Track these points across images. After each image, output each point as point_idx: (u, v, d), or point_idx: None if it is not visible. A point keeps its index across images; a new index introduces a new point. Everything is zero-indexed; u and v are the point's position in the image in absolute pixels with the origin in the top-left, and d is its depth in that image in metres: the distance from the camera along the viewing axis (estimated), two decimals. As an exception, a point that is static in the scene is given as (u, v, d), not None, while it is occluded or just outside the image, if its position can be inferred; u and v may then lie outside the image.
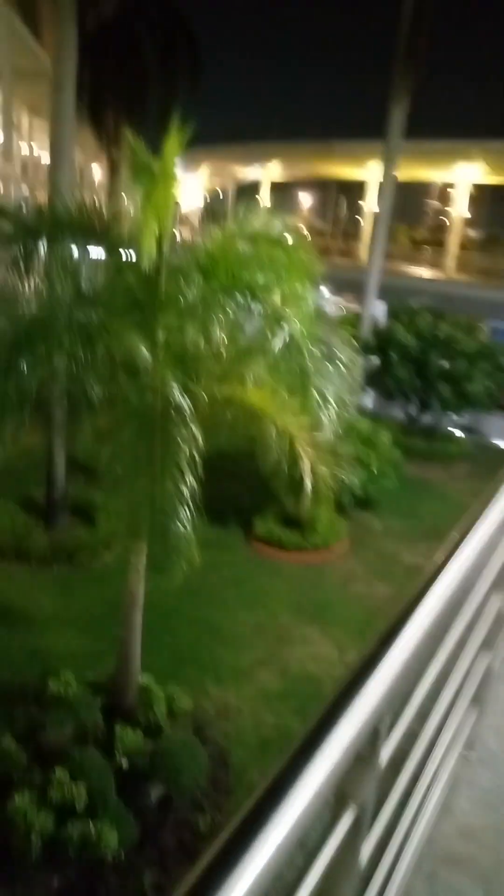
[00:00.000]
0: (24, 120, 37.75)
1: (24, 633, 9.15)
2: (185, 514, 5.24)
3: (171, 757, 6.56)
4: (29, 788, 6.16)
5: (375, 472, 12.68)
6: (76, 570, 10.83)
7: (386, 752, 1.46)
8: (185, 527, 5.23)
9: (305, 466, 6.07)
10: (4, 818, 5.94)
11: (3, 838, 5.90)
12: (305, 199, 66.26)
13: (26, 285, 7.05)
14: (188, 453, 5.22)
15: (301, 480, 6.12)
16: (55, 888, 5.84)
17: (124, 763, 6.60)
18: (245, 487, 12.54)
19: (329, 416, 5.94)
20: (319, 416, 5.90)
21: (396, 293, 22.23)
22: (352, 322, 17.86)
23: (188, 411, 5.37)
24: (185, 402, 5.38)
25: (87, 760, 6.37)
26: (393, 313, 19.87)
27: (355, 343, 6.80)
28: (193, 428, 5.32)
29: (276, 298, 5.74)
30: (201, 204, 63.57)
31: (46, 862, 5.90)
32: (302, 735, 1.10)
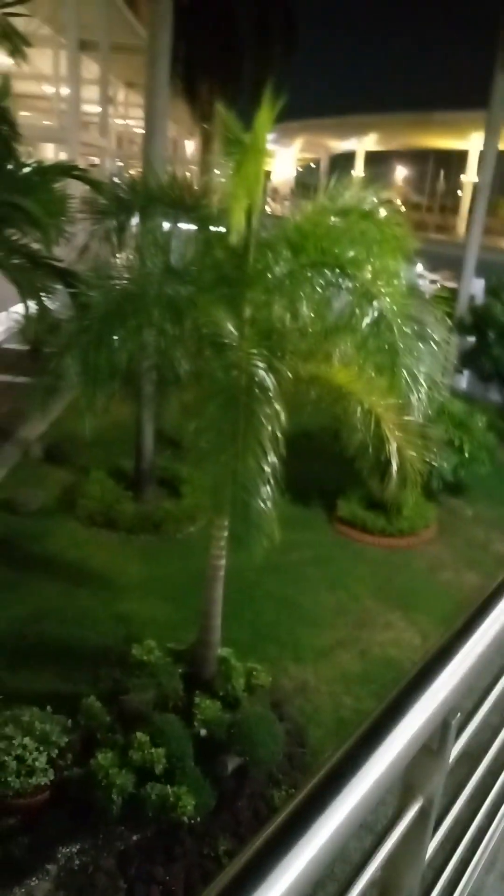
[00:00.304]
0: (121, 94, 38.27)
1: (109, 598, 9.48)
2: (267, 491, 5.23)
3: (249, 730, 6.66)
4: (111, 748, 6.41)
5: (468, 456, 12.25)
6: (161, 539, 11.10)
7: (458, 747, 1.41)
8: (266, 504, 5.23)
9: (392, 448, 5.92)
10: (87, 773, 6.21)
11: (85, 793, 6.17)
12: (401, 172, 64.27)
13: (118, 259, 7.18)
14: (271, 431, 5.19)
15: (387, 463, 5.97)
16: (133, 843, 6.08)
17: (202, 732, 6.76)
18: (328, 468, 12.41)
19: (419, 397, 5.75)
20: (409, 396, 5.72)
21: (496, 270, 21.29)
22: (447, 299, 17.24)
23: (272, 388, 5.33)
24: (269, 380, 5.35)
25: (167, 726, 6.55)
26: (491, 290, 18.99)
27: (449, 321, 6.54)
28: (277, 405, 5.27)
29: (367, 274, 5.57)
30: (293, 176, 62.83)
31: (126, 819, 6.15)
32: (369, 720, 1.08)
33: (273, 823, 0.87)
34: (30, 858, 5.84)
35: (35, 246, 7.87)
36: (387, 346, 5.45)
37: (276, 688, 7.95)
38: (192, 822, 6.08)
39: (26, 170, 7.66)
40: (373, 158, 59.09)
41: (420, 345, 5.87)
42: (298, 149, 61.70)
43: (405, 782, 1.28)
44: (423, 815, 1.30)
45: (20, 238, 7.80)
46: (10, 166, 7.44)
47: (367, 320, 5.45)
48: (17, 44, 7.46)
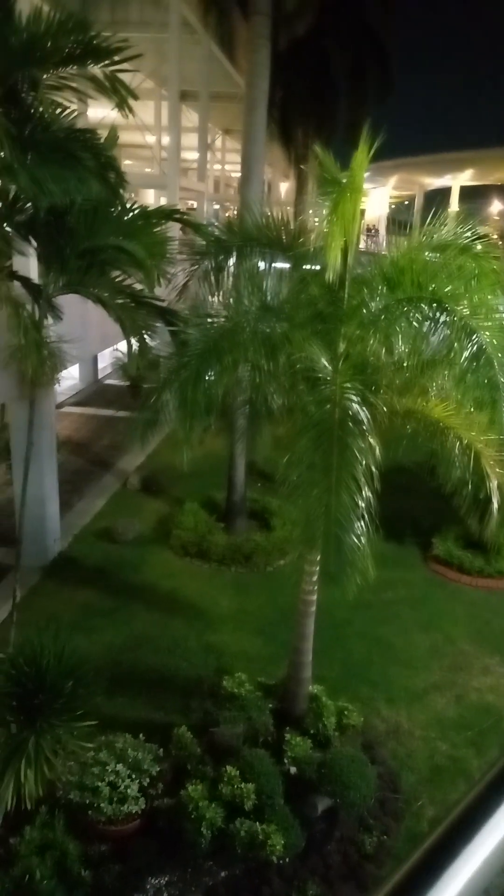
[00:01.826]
0: (218, 140, 39.78)
1: (201, 629, 9.57)
2: (361, 526, 5.18)
3: (340, 770, 6.51)
4: (201, 780, 6.42)
5: None
6: (251, 572, 11.15)
7: None
8: (359, 540, 5.17)
9: (493, 486, 5.74)
10: (177, 804, 6.23)
11: (175, 823, 6.19)
12: (497, 206, 63.13)
13: (216, 297, 7.42)
14: (365, 465, 5.16)
15: (487, 500, 5.79)
16: (221, 879, 6.02)
17: (292, 769, 6.66)
18: (424, 504, 12.17)
19: (521, 433, 5.58)
20: (511, 431, 5.56)
21: None
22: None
23: (366, 423, 5.31)
24: (363, 414, 5.33)
25: (257, 761, 6.50)
26: None
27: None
28: (371, 439, 5.25)
29: (465, 309, 5.50)
30: (386, 213, 62.91)
31: (214, 854, 6.11)
32: (484, 776, 1.02)
33: (395, 877, 0.84)
34: (120, 886, 5.89)
35: (137, 286, 8.24)
36: (486, 381, 5.33)
37: (368, 729, 7.75)
38: (281, 862, 5.97)
39: (131, 215, 8.06)
40: (468, 193, 58.41)
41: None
42: (392, 186, 61.82)
43: None
44: None
45: (124, 279, 8.20)
46: (116, 212, 7.86)
47: (465, 354, 5.37)
48: (123, 97, 7.91)
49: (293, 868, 6.08)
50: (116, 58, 7.54)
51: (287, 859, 6.02)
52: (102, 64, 7.58)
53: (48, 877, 5.49)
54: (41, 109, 7.29)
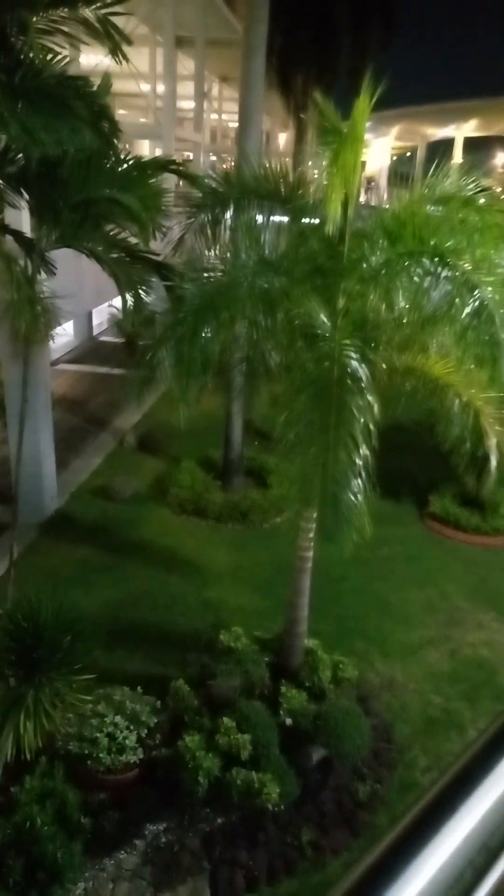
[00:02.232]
0: (215, 89, 38.66)
1: (199, 585, 9.67)
2: (358, 484, 5.17)
3: (335, 722, 6.64)
4: (198, 731, 6.56)
5: None
6: (248, 529, 11.22)
7: None
8: (356, 497, 5.17)
9: (491, 444, 5.73)
10: (175, 754, 6.37)
11: (173, 773, 6.34)
12: (502, 158, 61.80)
13: (212, 252, 7.27)
14: (363, 423, 5.13)
15: (485, 458, 5.78)
16: (218, 826, 6.20)
17: (288, 721, 6.80)
18: (421, 462, 12.18)
19: (522, 390, 5.54)
20: (511, 389, 5.52)
21: None
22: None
23: (365, 380, 5.26)
24: (362, 371, 5.28)
25: (254, 713, 6.63)
26: None
27: None
28: (370, 397, 5.20)
29: (467, 263, 5.40)
30: (388, 165, 61.59)
31: (211, 802, 6.28)
32: (490, 728, 1.01)
33: (388, 838, 0.83)
34: (119, 833, 6.06)
35: (132, 240, 8.07)
36: (488, 338, 5.26)
37: (362, 682, 7.90)
38: (276, 809, 6.14)
39: (125, 166, 7.84)
40: (472, 144, 57.09)
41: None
42: (394, 137, 60.37)
43: None
44: None
45: (119, 232, 8.02)
46: (109, 163, 7.64)
47: (467, 310, 5.28)
48: (117, 42, 7.62)
49: (288, 815, 6.25)
50: (108, 0, 7.25)
51: (282, 807, 6.18)
52: (94, 6, 7.29)
53: (49, 823, 5.63)
54: (31, 55, 7.02)
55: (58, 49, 7.50)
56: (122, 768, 6.32)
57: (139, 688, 7.01)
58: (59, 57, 7.41)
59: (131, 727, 6.49)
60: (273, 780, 6.16)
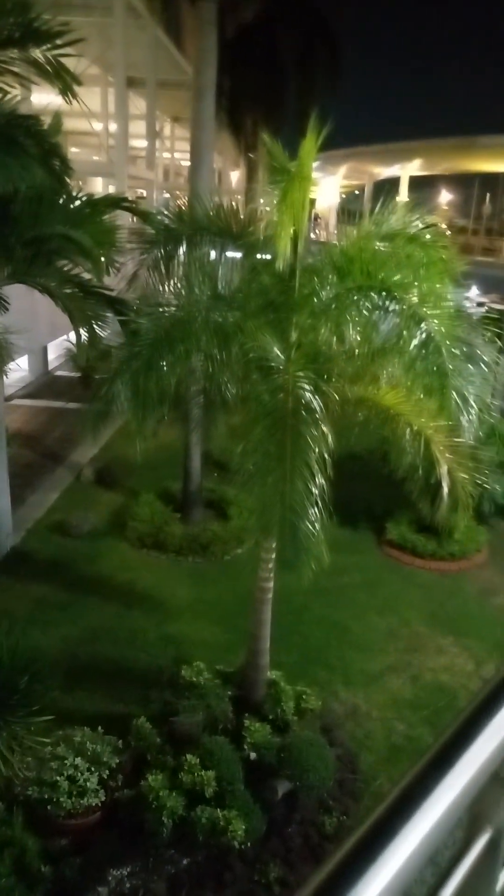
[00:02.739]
0: (167, 128, 39.32)
1: (160, 620, 9.55)
2: (315, 513, 5.24)
3: (299, 754, 6.60)
4: (161, 769, 6.43)
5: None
6: (209, 561, 11.17)
7: None
8: (314, 526, 5.24)
9: (443, 471, 5.87)
10: (138, 795, 6.23)
11: (136, 814, 6.19)
12: (445, 196, 64.09)
13: (166, 287, 7.36)
14: (318, 453, 5.22)
15: (438, 485, 5.92)
16: (183, 867, 6.06)
17: (252, 755, 6.72)
18: (376, 490, 12.33)
19: (469, 419, 5.71)
20: (459, 418, 5.68)
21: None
22: (496, 321, 17.02)
23: (319, 411, 5.37)
24: (316, 402, 5.38)
25: (217, 748, 6.54)
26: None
27: (500, 342, 6.49)
28: (324, 427, 5.30)
29: (414, 297, 5.59)
30: (337, 203, 63.24)
31: (176, 842, 6.14)
32: (434, 747, 1.06)
33: (336, 856, 0.85)
34: (81, 880, 5.87)
35: (86, 276, 8.12)
36: (435, 368, 5.44)
37: (326, 712, 7.87)
38: (243, 847, 6.04)
39: (77, 203, 7.93)
40: (417, 183, 59.14)
41: (469, 366, 5.85)
42: (342, 176, 62.13)
43: (473, 812, 1.24)
44: (492, 846, 1.26)
45: (72, 268, 8.07)
46: (62, 200, 7.72)
47: (414, 342, 5.46)
48: (67, 82, 7.76)
49: (255, 852, 6.15)
50: (59, 41, 7.39)
51: (249, 844, 6.08)
52: (44, 48, 7.42)
53: (6, 875, 5.43)
54: (-18, 94, 7.10)
55: (8, 89, 7.59)
56: (84, 812, 6.15)
57: (100, 728, 6.85)
58: (10, 96, 7.50)
59: (92, 769, 6.33)
60: (238, 816, 6.07)
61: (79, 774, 6.22)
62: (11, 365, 8.33)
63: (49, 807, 6.05)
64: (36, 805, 6.07)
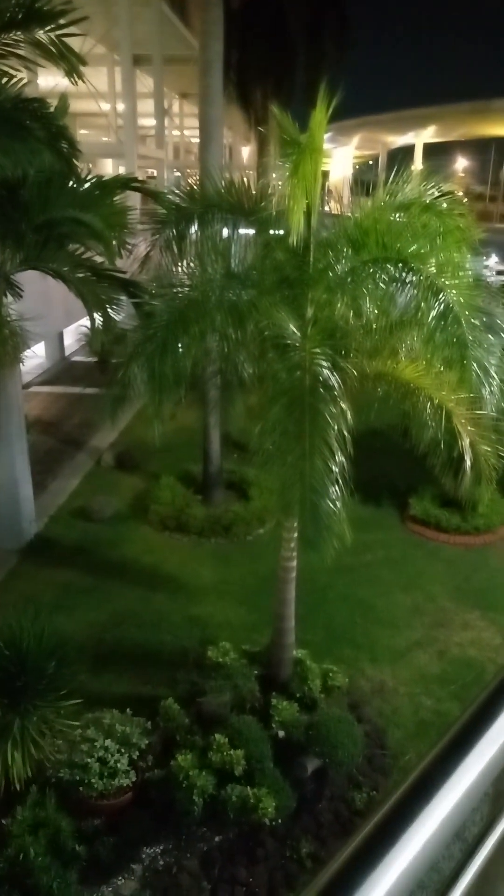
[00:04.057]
0: (175, 105, 38.86)
1: (184, 602, 9.60)
2: (336, 491, 5.18)
3: (327, 731, 6.61)
4: (191, 750, 6.48)
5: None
6: (231, 542, 11.18)
7: None
8: (335, 504, 5.18)
9: (465, 444, 5.77)
10: (168, 775, 6.29)
11: (167, 794, 6.26)
12: (461, 162, 62.86)
13: (179, 267, 7.28)
14: (338, 430, 5.14)
15: (460, 459, 5.82)
16: (216, 845, 6.13)
17: (280, 733, 6.75)
18: (398, 465, 12.23)
19: (491, 390, 5.59)
20: (480, 390, 5.56)
21: None
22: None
23: (337, 387, 5.28)
24: (334, 378, 5.30)
25: (245, 728, 6.57)
26: None
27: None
28: (343, 404, 5.22)
29: (431, 267, 5.45)
30: (350, 174, 62.29)
31: (207, 820, 6.20)
32: (457, 723, 1.04)
33: (361, 833, 0.85)
34: (115, 858, 5.96)
35: (98, 259, 8.06)
36: (455, 339, 5.32)
37: (353, 689, 7.87)
38: (273, 823, 6.08)
39: (87, 185, 7.85)
40: (432, 150, 58.06)
41: (490, 336, 5.71)
42: (355, 146, 61.14)
43: (498, 788, 1.23)
44: None
45: (83, 252, 8.01)
46: (71, 183, 7.64)
47: (433, 314, 5.34)
48: (72, 63, 7.64)
49: (286, 828, 6.20)
50: (62, 21, 7.26)
51: (279, 820, 6.12)
52: (48, 28, 7.30)
53: (42, 854, 5.52)
54: (-14, 78, 7.02)
55: (13, 72, 7.50)
56: (115, 792, 6.23)
57: (128, 710, 6.92)
58: (15, 80, 7.41)
59: (122, 750, 6.40)
60: (268, 794, 6.11)
61: (109, 756, 6.29)
62: (28, 352, 8.33)
63: (81, 788, 6.13)
64: (68, 787, 6.16)
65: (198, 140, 13.53)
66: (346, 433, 5.14)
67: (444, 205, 6.08)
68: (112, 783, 6.17)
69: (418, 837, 0.84)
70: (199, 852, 6.08)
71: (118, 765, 6.27)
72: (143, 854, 6.07)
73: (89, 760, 6.22)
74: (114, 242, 7.66)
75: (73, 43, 7.64)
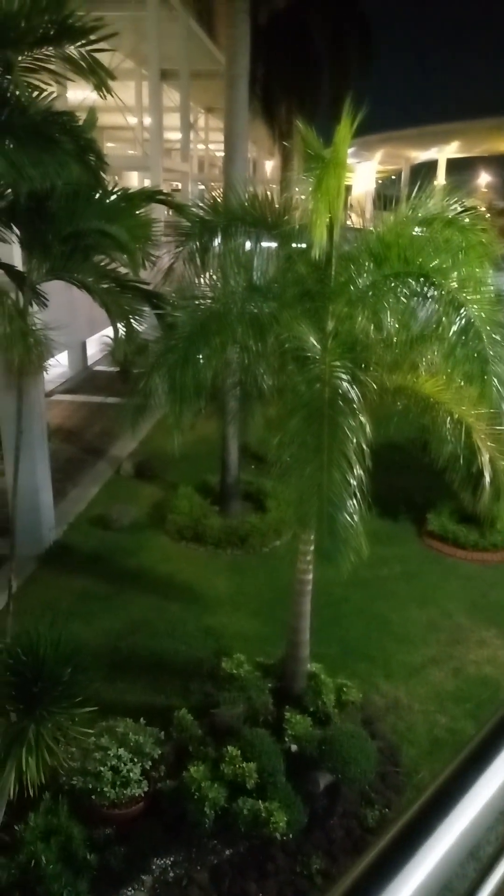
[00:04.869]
0: (201, 119, 39.28)
1: (199, 612, 9.60)
2: (354, 504, 5.17)
3: (340, 746, 6.56)
4: (203, 761, 6.47)
5: None
6: (247, 553, 11.17)
7: None
8: (352, 518, 5.17)
9: (485, 459, 5.74)
10: (180, 786, 6.28)
11: (178, 805, 6.24)
12: (484, 178, 62.73)
13: (202, 279, 7.34)
14: (356, 443, 5.14)
15: (479, 474, 5.79)
16: (226, 858, 6.09)
17: (293, 747, 6.72)
18: (416, 480, 12.19)
19: (511, 406, 5.56)
20: (500, 405, 5.54)
21: None
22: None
23: (357, 401, 5.29)
24: (353, 392, 5.31)
25: (258, 740, 6.55)
26: None
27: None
28: (362, 417, 5.22)
29: (453, 282, 5.46)
30: (373, 189, 62.41)
31: (218, 833, 6.18)
32: (475, 740, 1.04)
33: (376, 847, 0.85)
34: (126, 868, 5.95)
35: (122, 270, 8.14)
36: (476, 355, 5.30)
37: (367, 705, 7.82)
38: (284, 838, 6.04)
39: (113, 198, 7.95)
40: (455, 166, 58.00)
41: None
42: (378, 161, 61.28)
43: None
44: None
45: (108, 263, 8.10)
46: (97, 195, 7.74)
47: (454, 329, 5.33)
48: (102, 78, 7.76)
49: (297, 844, 6.15)
50: (93, 37, 7.38)
51: (290, 835, 6.08)
52: (78, 44, 7.42)
53: (54, 861, 5.53)
54: (17, 93, 7.14)
55: (43, 86, 7.63)
56: (127, 802, 6.23)
57: (142, 719, 6.93)
58: (45, 93, 7.54)
59: (135, 759, 6.41)
60: (280, 808, 6.07)
61: (122, 765, 6.30)
62: (51, 361, 8.43)
63: (93, 796, 6.14)
64: (81, 795, 6.17)
65: (222, 154, 13.67)
66: (364, 446, 5.13)
67: (467, 220, 6.09)
68: (124, 792, 6.18)
69: (433, 854, 0.84)
70: (210, 865, 6.05)
71: (131, 774, 6.27)
72: (153, 865, 6.05)
73: (102, 769, 6.23)
74: (138, 254, 7.74)
75: (103, 58, 7.76)
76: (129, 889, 5.88)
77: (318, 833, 6.30)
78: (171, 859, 6.10)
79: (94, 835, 6.05)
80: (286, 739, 6.77)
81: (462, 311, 5.33)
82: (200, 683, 7.82)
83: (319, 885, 5.89)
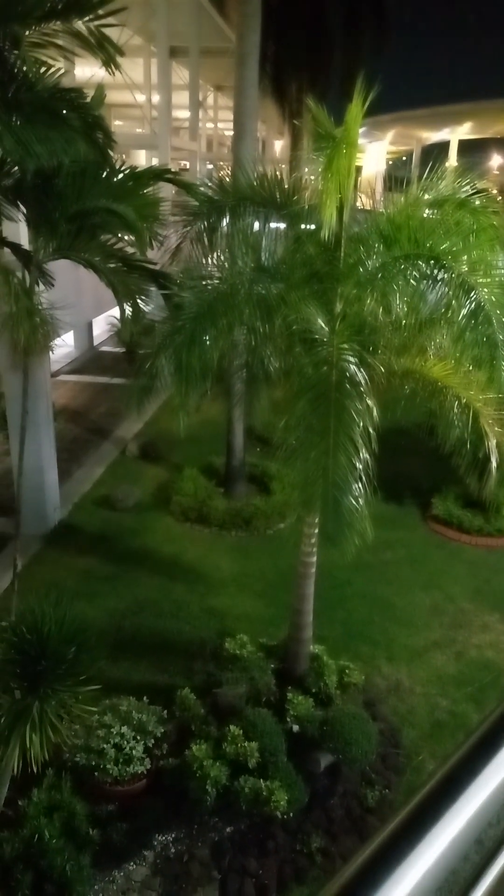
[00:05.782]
0: (210, 97, 38.82)
1: (203, 593, 9.65)
2: (359, 488, 5.16)
3: (342, 727, 6.61)
4: (205, 740, 6.53)
5: None
6: (251, 535, 11.20)
7: None
8: (357, 501, 5.16)
9: (492, 444, 5.71)
10: (182, 764, 6.34)
11: (180, 783, 6.31)
12: (497, 160, 61.97)
13: (209, 259, 7.28)
14: (363, 427, 5.12)
15: (486, 459, 5.77)
16: (227, 835, 6.17)
17: (295, 728, 6.77)
18: (422, 464, 12.17)
19: (520, 391, 5.53)
20: (509, 390, 5.51)
21: None
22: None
23: (364, 384, 5.26)
24: (360, 375, 5.28)
25: (260, 720, 6.60)
26: None
27: None
28: (369, 401, 5.20)
29: (463, 265, 5.40)
30: (384, 169, 61.75)
31: (219, 811, 6.25)
32: (481, 727, 1.03)
33: (385, 830, 0.84)
34: (128, 844, 6.04)
35: (129, 249, 8.09)
36: (485, 339, 5.26)
37: (369, 687, 7.86)
38: (285, 817, 6.11)
39: (120, 176, 7.87)
40: (467, 147, 57.30)
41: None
42: (389, 142, 60.57)
43: None
44: None
45: (115, 242, 8.04)
46: (105, 173, 7.66)
47: (463, 312, 5.29)
48: (110, 54, 7.65)
49: (297, 822, 6.22)
50: (101, 12, 7.28)
51: (291, 814, 6.15)
52: (87, 19, 7.32)
53: (57, 836, 5.61)
54: (24, 68, 7.05)
55: (51, 62, 7.54)
56: (130, 779, 6.30)
57: (145, 697, 6.99)
58: (53, 69, 7.44)
59: (138, 737, 6.47)
60: (281, 787, 6.13)
61: (125, 743, 6.37)
62: (58, 341, 8.40)
63: (96, 773, 6.21)
64: (84, 771, 6.24)
65: (231, 133, 13.51)
66: (370, 430, 5.11)
67: (478, 202, 6.01)
68: (127, 770, 6.24)
69: (441, 840, 0.84)
70: (211, 842, 6.13)
71: (133, 752, 6.34)
72: (155, 841, 6.14)
73: (105, 746, 6.30)
74: (145, 233, 7.68)
75: (111, 33, 7.66)
76: (131, 864, 5.96)
77: (319, 812, 6.36)
78: (173, 836, 6.18)
79: (97, 811, 6.13)
80: (288, 720, 6.82)
81: (472, 294, 5.28)
82: (203, 663, 7.88)
83: (319, 863, 5.97)
